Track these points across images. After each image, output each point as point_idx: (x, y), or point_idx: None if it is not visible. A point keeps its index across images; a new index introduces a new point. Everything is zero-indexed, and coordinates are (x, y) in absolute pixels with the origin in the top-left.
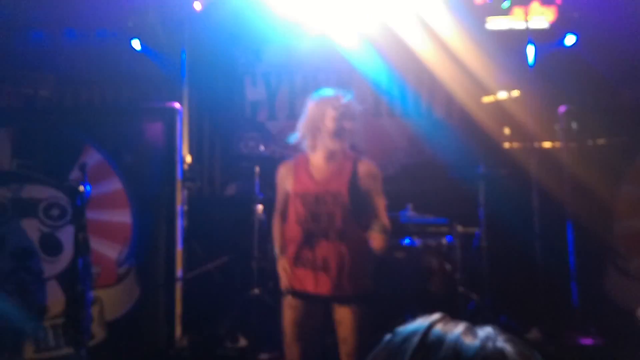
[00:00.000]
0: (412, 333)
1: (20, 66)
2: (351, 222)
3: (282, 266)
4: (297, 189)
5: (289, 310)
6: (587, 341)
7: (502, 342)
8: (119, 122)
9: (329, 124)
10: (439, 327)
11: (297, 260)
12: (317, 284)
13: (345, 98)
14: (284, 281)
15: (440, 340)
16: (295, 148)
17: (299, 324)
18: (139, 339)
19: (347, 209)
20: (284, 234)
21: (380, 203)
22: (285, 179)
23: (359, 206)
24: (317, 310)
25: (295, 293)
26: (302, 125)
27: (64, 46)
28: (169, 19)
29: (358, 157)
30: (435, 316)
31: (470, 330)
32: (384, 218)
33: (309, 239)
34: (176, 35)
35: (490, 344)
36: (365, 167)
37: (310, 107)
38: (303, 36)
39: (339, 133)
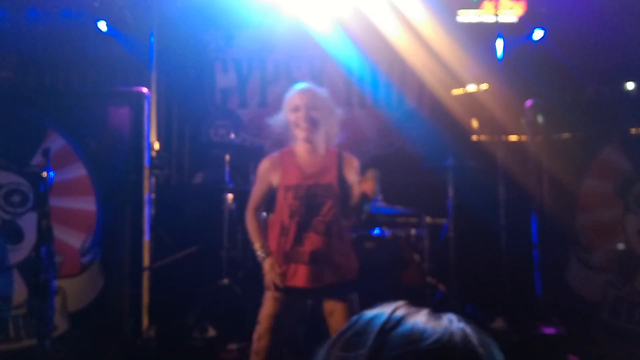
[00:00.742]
0: (377, 315)
1: None
2: (338, 213)
3: (270, 265)
4: (288, 182)
5: (271, 302)
6: (549, 330)
7: (463, 325)
8: (84, 107)
9: (292, 113)
10: (402, 311)
11: (286, 256)
12: (305, 277)
13: (318, 90)
14: (270, 279)
15: (401, 322)
16: (268, 137)
17: (278, 317)
18: (103, 329)
19: (337, 201)
20: (266, 229)
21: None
22: (271, 172)
23: (345, 198)
24: (299, 304)
25: (283, 288)
26: (280, 117)
27: (27, 26)
28: (137, 0)
29: (340, 151)
30: (400, 302)
31: (433, 315)
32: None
33: (297, 232)
34: (144, 17)
35: (453, 326)
36: (348, 160)
37: (286, 98)
38: (276, 21)
39: (305, 123)
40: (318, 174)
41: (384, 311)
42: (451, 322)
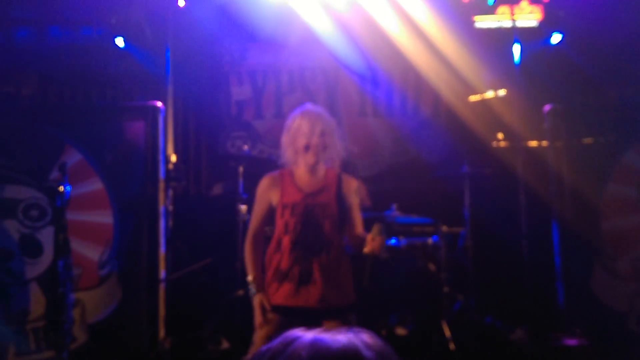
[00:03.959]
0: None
1: (3, 64)
2: (337, 233)
3: (259, 304)
4: (286, 200)
5: (265, 324)
6: (571, 342)
7: (359, 341)
8: (99, 121)
9: (303, 138)
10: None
11: (283, 276)
12: (302, 298)
13: (323, 113)
14: (257, 318)
15: (296, 338)
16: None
17: (272, 338)
18: (121, 341)
19: (335, 221)
20: (260, 260)
21: (359, 217)
22: (270, 191)
23: (343, 218)
24: (294, 325)
25: (279, 309)
26: (283, 140)
27: (47, 44)
28: (152, 15)
29: (341, 172)
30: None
31: (333, 332)
32: (362, 232)
33: (294, 252)
34: (160, 33)
35: (347, 342)
36: (348, 181)
37: (289, 121)
38: (289, 32)
39: (306, 148)
40: (317, 193)
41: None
42: (339, 334)
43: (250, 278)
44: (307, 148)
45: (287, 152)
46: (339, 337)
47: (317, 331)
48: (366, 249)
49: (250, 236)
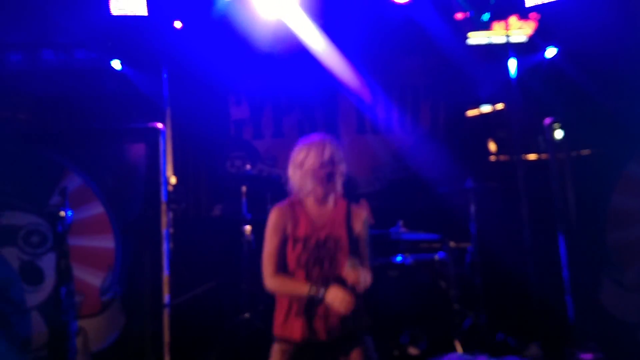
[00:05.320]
0: None
1: None
2: None
3: (335, 293)
4: (299, 233)
5: (279, 355)
6: (587, 356)
7: None
8: (99, 145)
9: (316, 169)
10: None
11: (298, 310)
12: (319, 331)
13: (330, 143)
14: (343, 301)
15: None
16: (285, 167)
17: None
18: None
19: (347, 254)
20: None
21: (366, 250)
22: (284, 222)
23: (354, 250)
24: (310, 357)
25: (297, 344)
26: (290, 170)
27: (43, 68)
28: (148, 37)
29: (350, 202)
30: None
31: None
32: (366, 266)
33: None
34: (157, 55)
35: None
36: (357, 212)
37: (295, 152)
38: (287, 51)
39: (327, 177)
40: (328, 226)
41: None
42: None
43: (307, 288)
44: (329, 177)
45: (297, 182)
46: None
47: None
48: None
49: (274, 274)
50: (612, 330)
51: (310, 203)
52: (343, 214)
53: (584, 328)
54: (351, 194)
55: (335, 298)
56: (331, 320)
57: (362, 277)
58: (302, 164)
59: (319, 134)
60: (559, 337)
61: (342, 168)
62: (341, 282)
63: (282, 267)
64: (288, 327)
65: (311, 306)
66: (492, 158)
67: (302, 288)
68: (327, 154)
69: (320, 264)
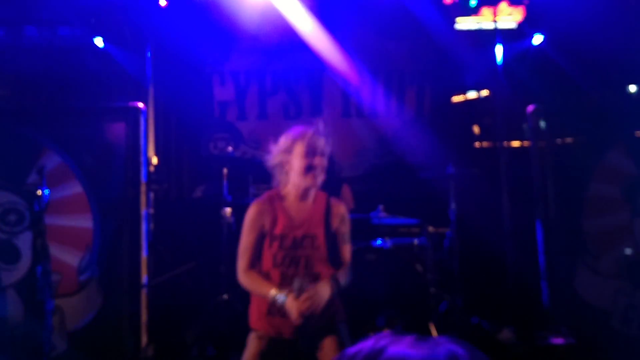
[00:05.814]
0: (359, 349)
1: None
2: (325, 265)
3: (292, 303)
4: (276, 231)
5: (256, 342)
6: (558, 341)
7: (455, 347)
8: (78, 123)
9: (298, 161)
10: (384, 341)
11: (273, 307)
12: (291, 329)
13: (317, 135)
14: (296, 318)
15: (384, 351)
16: (268, 150)
17: (264, 355)
18: (102, 349)
19: (323, 253)
20: (264, 276)
21: (347, 249)
22: (262, 217)
23: (332, 248)
24: (285, 348)
25: (271, 340)
26: (273, 158)
27: (25, 45)
28: (132, 15)
29: (329, 197)
30: (383, 333)
31: (418, 341)
32: (346, 265)
33: (283, 283)
34: (140, 32)
35: (439, 350)
36: (337, 208)
37: (281, 142)
38: (273, 32)
39: (307, 170)
40: (306, 224)
41: (365, 344)
42: (437, 346)
43: (272, 292)
44: (308, 169)
45: (279, 173)
46: (422, 346)
47: (403, 343)
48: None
49: (246, 270)
50: (585, 315)
51: (290, 198)
52: (322, 210)
53: (558, 313)
54: (333, 178)
55: (292, 308)
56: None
57: (307, 302)
58: (287, 154)
59: (305, 125)
60: (533, 322)
61: (322, 160)
62: (319, 280)
63: (256, 263)
64: (260, 322)
65: (274, 310)
66: (477, 144)
67: (266, 290)
68: (319, 144)
69: (296, 263)
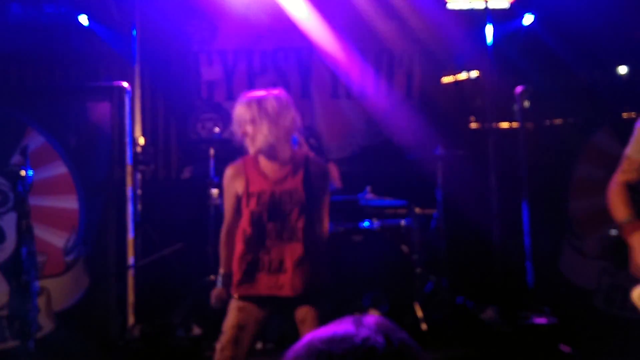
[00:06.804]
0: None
1: None
2: (306, 220)
3: (219, 296)
4: (252, 189)
5: (235, 312)
6: (541, 320)
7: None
8: (63, 103)
9: (239, 127)
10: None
11: (252, 265)
12: (274, 287)
13: (255, 99)
14: (216, 302)
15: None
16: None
17: (242, 327)
18: (88, 329)
19: (304, 207)
20: (232, 252)
21: (326, 203)
22: (235, 180)
23: (312, 204)
24: (264, 313)
25: (250, 298)
26: (242, 127)
27: (9, 21)
28: None
29: (308, 155)
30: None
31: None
32: (325, 220)
33: (262, 240)
34: (126, 10)
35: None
36: (316, 165)
37: (244, 107)
38: (262, 11)
39: (246, 138)
40: (283, 179)
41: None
42: (361, 328)
43: (221, 271)
44: (242, 137)
45: (251, 137)
46: (340, 324)
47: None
48: None
49: (225, 231)
50: (569, 295)
51: (263, 159)
52: (301, 166)
53: (542, 293)
54: (322, 159)
55: (213, 296)
56: (282, 279)
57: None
58: (236, 123)
59: (263, 90)
60: (518, 302)
61: (279, 120)
62: (299, 236)
63: (238, 223)
64: (241, 280)
65: (257, 265)
66: (465, 125)
67: (223, 264)
68: (255, 111)
69: (276, 218)
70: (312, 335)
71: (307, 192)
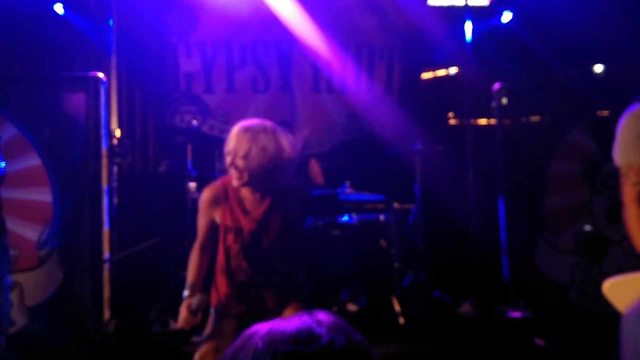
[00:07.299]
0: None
1: None
2: (283, 256)
3: (185, 309)
4: (230, 223)
5: (215, 321)
6: (516, 314)
7: (313, 320)
8: (36, 93)
9: (227, 157)
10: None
11: (230, 295)
12: (254, 305)
13: (273, 130)
14: (182, 321)
15: (254, 332)
16: (236, 123)
17: (222, 334)
18: (63, 324)
19: (281, 244)
20: (204, 268)
21: (303, 225)
22: (213, 207)
23: (291, 235)
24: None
25: (231, 314)
26: (229, 159)
27: None
28: None
29: (286, 185)
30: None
31: (288, 317)
32: (304, 240)
33: (243, 279)
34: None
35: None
36: (294, 194)
37: (235, 137)
38: (242, 3)
39: (234, 171)
40: (261, 217)
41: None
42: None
43: (188, 282)
44: (228, 166)
45: (236, 170)
46: (293, 321)
47: (274, 321)
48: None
49: (198, 247)
50: (544, 290)
51: (246, 189)
52: (279, 202)
53: (517, 287)
54: (302, 153)
55: (179, 313)
56: (264, 307)
57: (184, 321)
58: (226, 152)
59: (261, 119)
60: (494, 296)
61: (265, 153)
62: (277, 272)
63: (210, 249)
64: (214, 301)
65: (239, 299)
66: (451, 122)
67: (191, 275)
68: (246, 142)
69: (253, 257)
70: (268, 330)
71: (285, 229)
